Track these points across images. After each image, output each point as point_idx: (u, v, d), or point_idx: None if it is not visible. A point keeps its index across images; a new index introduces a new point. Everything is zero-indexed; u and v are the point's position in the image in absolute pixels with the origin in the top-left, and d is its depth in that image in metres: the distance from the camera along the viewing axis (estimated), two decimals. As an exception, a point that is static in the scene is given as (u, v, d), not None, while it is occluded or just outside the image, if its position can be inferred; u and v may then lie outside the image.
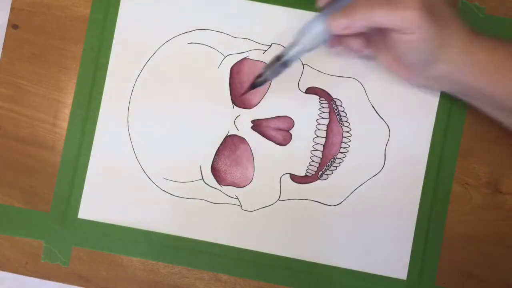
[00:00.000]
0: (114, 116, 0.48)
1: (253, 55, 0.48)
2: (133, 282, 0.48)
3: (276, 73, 0.41)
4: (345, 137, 0.47)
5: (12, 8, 0.49)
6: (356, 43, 0.42)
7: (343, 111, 0.47)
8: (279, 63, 0.40)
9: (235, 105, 0.47)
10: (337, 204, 0.47)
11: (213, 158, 0.47)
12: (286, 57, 0.39)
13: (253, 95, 0.47)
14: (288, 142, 0.47)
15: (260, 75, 0.41)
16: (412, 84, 0.46)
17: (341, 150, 0.47)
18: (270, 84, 0.47)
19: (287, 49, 0.40)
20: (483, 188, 0.47)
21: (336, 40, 0.42)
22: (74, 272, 0.48)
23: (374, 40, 0.43)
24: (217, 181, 0.47)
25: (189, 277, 0.48)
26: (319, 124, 0.47)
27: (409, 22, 0.37)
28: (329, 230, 0.47)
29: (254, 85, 0.42)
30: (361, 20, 0.37)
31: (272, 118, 0.47)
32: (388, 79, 0.47)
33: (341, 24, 0.38)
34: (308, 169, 0.47)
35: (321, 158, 0.47)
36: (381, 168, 0.47)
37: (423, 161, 0.47)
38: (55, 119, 0.48)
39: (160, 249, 0.47)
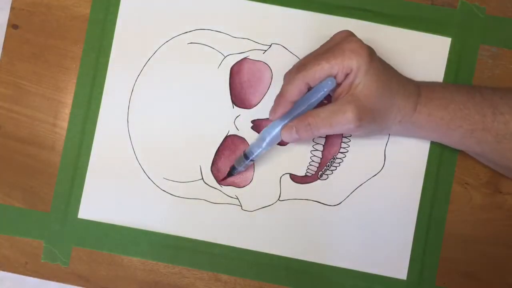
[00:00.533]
0: (114, 116, 0.48)
1: (253, 55, 0.48)
2: (133, 282, 0.48)
3: (245, 166, 0.45)
4: (345, 137, 0.47)
5: (12, 8, 0.49)
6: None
7: (343, 111, 0.47)
8: (248, 161, 0.45)
9: (235, 105, 0.47)
10: (337, 204, 0.47)
11: (213, 158, 0.47)
12: (251, 157, 0.44)
13: (253, 95, 0.47)
14: (287, 142, 0.47)
15: (233, 168, 0.46)
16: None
17: (341, 150, 0.47)
18: (270, 84, 0.47)
19: (252, 148, 0.44)
20: (483, 188, 0.47)
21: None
22: (74, 272, 0.48)
23: None
24: (217, 181, 0.47)
25: (189, 277, 0.48)
26: (319, 124, 0.47)
27: (349, 131, 0.41)
28: (329, 230, 0.47)
29: (229, 174, 0.47)
30: (308, 136, 0.42)
31: (272, 118, 0.47)
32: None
33: (290, 137, 0.43)
34: (308, 169, 0.47)
35: (321, 158, 0.47)
36: (381, 168, 0.47)
37: (423, 161, 0.47)
38: (55, 119, 0.48)
39: (160, 249, 0.47)
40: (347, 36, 0.42)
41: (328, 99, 0.44)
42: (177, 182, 0.47)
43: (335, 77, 0.41)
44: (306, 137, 0.42)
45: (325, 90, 0.41)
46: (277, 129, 0.43)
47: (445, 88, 0.43)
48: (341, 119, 0.40)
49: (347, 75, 0.40)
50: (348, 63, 0.40)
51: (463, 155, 0.47)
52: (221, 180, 0.47)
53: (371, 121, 0.41)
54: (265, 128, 0.44)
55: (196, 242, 0.47)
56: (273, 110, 0.43)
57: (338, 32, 0.43)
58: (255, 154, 0.44)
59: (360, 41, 0.41)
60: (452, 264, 0.47)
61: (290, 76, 0.42)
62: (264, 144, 0.44)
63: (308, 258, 0.47)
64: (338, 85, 0.41)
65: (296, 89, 0.41)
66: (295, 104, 0.42)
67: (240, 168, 0.45)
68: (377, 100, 0.41)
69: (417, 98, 0.42)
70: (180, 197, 0.47)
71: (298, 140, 0.43)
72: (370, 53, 0.40)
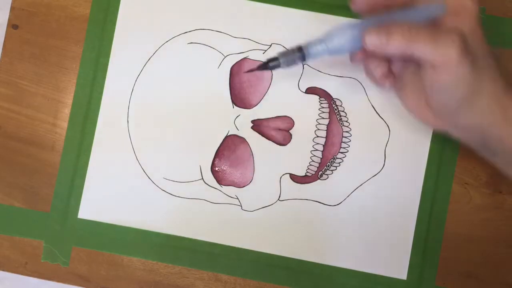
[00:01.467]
0: (114, 116, 0.48)
1: (253, 55, 0.48)
2: (133, 282, 0.48)
3: (289, 63, 0.38)
4: (345, 137, 0.47)
5: (12, 8, 0.49)
6: (379, 70, 0.40)
7: (343, 111, 0.47)
8: (299, 54, 0.37)
9: (235, 105, 0.48)
10: (337, 204, 0.47)
11: (213, 158, 0.47)
12: (308, 51, 0.36)
13: (253, 95, 0.47)
14: (288, 142, 0.47)
15: (274, 59, 0.38)
16: (434, 129, 0.45)
17: (341, 150, 0.47)
18: (270, 84, 0.47)
19: (312, 43, 0.37)
20: (483, 188, 0.47)
21: (361, 56, 0.40)
22: (74, 272, 0.48)
23: (401, 75, 0.40)
24: (217, 181, 0.47)
25: (189, 277, 0.48)
26: (319, 124, 0.47)
27: (448, 59, 0.34)
28: (329, 230, 0.47)
29: (264, 67, 0.39)
30: (399, 44, 0.34)
31: (272, 118, 0.47)
32: (388, 79, 0.47)
33: (376, 41, 0.35)
34: (308, 169, 0.47)
35: (321, 158, 0.47)
36: (381, 168, 0.47)
37: (423, 161, 0.47)
38: (55, 119, 0.48)
39: (160, 249, 0.47)
40: None
41: None
42: (177, 182, 0.47)
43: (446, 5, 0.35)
44: (399, 44, 0.34)
45: (432, 12, 0.35)
46: (354, 30, 0.35)
47: None
48: (449, 40, 0.33)
49: (453, 15, 0.36)
50: (465, 2, 0.35)
51: (463, 155, 0.47)
52: (246, 71, 0.41)
53: (472, 64, 0.35)
54: (336, 26, 0.36)
55: (196, 242, 0.47)
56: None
57: None
58: (316, 52, 0.36)
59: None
60: (452, 264, 0.47)
61: None
62: (331, 45, 0.36)
63: (308, 258, 0.47)
64: (438, 22, 0.36)
65: None
66: (385, 13, 0.35)
67: (283, 64, 0.38)
68: (481, 51, 0.36)
69: (510, 86, 0.37)
70: (180, 197, 0.47)
71: (383, 50, 0.35)
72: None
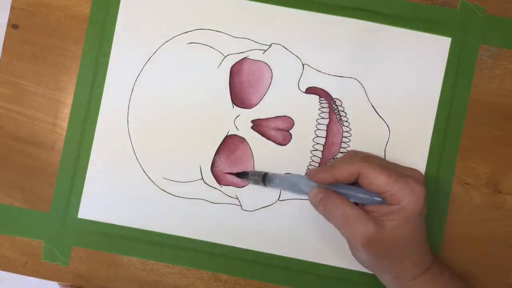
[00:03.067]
0: (114, 116, 0.48)
1: (253, 55, 0.48)
2: (133, 282, 0.48)
3: (256, 183, 0.46)
4: (345, 137, 0.47)
5: (12, 8, 0.49)
6: None
7: (343, 111, 0.47)
8: (262, 183, 0.45)
9: (235, 105, 0.47)
10: (337, 204, 0.47)
11: (213, 158, 0.47)
12: (268, 186, 0.45)
13: (253, 95, 0.47)
14: (288, 142, 0.47)
15: (245, 174, 0.46)
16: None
17: (341, 150, 0.47)
18: (270, 84, 0.47)
19: (275, 180, 0.44)
20: (483, 188, 0.47)
21: None
22: (74, 272, 0.48)
23: None
24: (217, 181, 0.47)
25: (189, 277, 0.48)
26: (319, 124, 0.47)
27: (353, 241, 0.41)
28: (329, 230, 0.47)
29: (237, 175, 0.47)
30: (322, 213, 0.42)
31: (272, 118, 0.47)
32: (388, 79, 0.47)
33: (312, 200, 0.43)
34: (308, 169, 0.47)
35: (321, 158, 0.47)
36: (381, 168, 0.47)
37: (423, 161, 0.47)
38: (55, 119, 0.48)
39: (160, 249, 0.47)
40: (418, 177, 0.42)
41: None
42: (177, 182, 0.47)
43: (385, 198, 0.40)
44: (320, 211, 0.42)
45: (370, 202, 0.41)
46: (308, 190, 0.43)
47: (453, 278, 0.42)
48: (357, 227, 0.40)
49: (390, 204, 0.40)
50: (401, 196, 0.39)
51: (463, 155, 0.47)
52: (225, 172, 0.47)
53: (377, 256, 0.41)
54: (302, 179, 0.43)
55: (196, 242, 0.47)
56: (316, 174, 0.42)
57: (410, 169, 0.43)
58: (273, 187, 0.45)
59: (423, 190, 0.40)
60: (452, 264, 0.47)
61: (354, 158, 0.42)
62: (289, 191, 0.45)
63: (308, 258, 0.47)
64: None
65: (348, 174, 0.40)
66: (337, 185, 0.42)
67: (250, 182, 0.46)
68: (395, 248, 0.40)
69: (423, 271, 0.41)
70: (180, 197, 0.47)
71: (314, 205, 0.43)
72: (423, 207, 0.40)
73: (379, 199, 0.40)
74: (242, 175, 0.46)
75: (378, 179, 0.39)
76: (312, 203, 0.43)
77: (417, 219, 0.40)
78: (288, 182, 0.44)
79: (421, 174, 0.43)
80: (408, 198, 0.39)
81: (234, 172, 0.47)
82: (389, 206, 0.40)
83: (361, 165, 0.40)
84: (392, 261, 0.41)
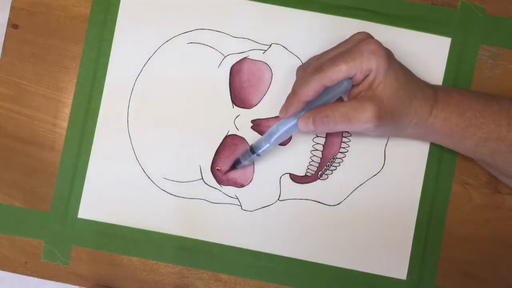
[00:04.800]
0: (114, 116, 0.48)
1: (253, 55, 0.48)
2: (133, 282, 0.48)
3: (250, 161, 0.46)
4: (345, 137, 0.47)
5: (12, 8, 0.49)
6: None
7: (343, 111, 0.47)
8: (254, 155, 0.45)
9: (235, 105, 0.47)
10: (337, 204, 0.47)
11: (213, 158, 0.47)
12: (258, 152, 0.44)
13: (253, 95, 0.47)
14: (288, 142, 0.47)
15: (238, 161, 0.46)
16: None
17: (341, 150, 0.47)
18: (270, 84, 0.47)
19: (260, 143, 0.44)
20: (483, 188, 0.47)
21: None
22: (74, 272, 0.48)
23: None
24: (217, 181, 0.47)
25: (189, 277, 0.48)
26: (319, 124, 0.47)
27: (364, 129, 0.41)
28: (329, 230, 0.47)
29: (233, 167, 0.47)
30: (324, 129, 0.41)
31: (272, 118, 0.47)
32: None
33: (307, 129, 0.42)
34: (308, 169, 0.47)
35: (321, 158, 0.47)
36: (381, 168, 0.47)
37: (423, 161, 0.47)
38: (55, 119, 0.48)
39: (160, 249, 0.47)
40: (365, 37, 0.41)
41: (339, 100, 0.44)
42: (177, 182, 0.47)
43: (351, 78, 0.40)
44: (322, 130, 0.41)
45: (341, 91, 0.41)
46: (287, 126, 0.43)
47: (462, 95, 0.42)
48: (361, 116, 0.40)
49: (365, 76, 0.40)
50: (367, 65, 0.40)
51: (463, 155, 0.47)
52: (223, 174, 0.47)
53: (390, 121, 0.41)
54: (275, 124, 0.43)
55: (196, 242, 0.47)
56: (284, 108, 0.42)
57: (355, 34, 0.42)
58: (262, 149, 0.44)
59: (378, 42, 0.40)
60: (452, 264, 0.47)
61: (305, 75, 0.42)
62: (272, 140, 0.43)
63: (308, 258, 0.47)
64: (356, 86, 0.41)
65: (312, 90, 0.40)
66: (309, 103, 0.42)
67: (244, 162, 0.45)
68: (396, 101, 0.40)
69: (434, 102, 0.42)
70: (180, 197, 0.47)
71: (314, 132, 0.43)
72: (389, 54, 0.40)
73: (345, 83, 0.40)
74: (235, 164, 0.46)
75: (339, 73, 0.40)
76: (307, 130, 0.42)
77: (394, 66, 0.41)
78: (270, 135, 0.43)
79: (363, 33, 0.42)
80: (374, 60, 0.39)
81: (228, 169, 0.47)
82: (367, 78, 0.40)
83: (318, 77, 0.40)
84: (404, 113, 0.41)
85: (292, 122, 0.43)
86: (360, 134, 0.47)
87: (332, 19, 0.47)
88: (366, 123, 0.40)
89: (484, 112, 0.41)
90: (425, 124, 0.42)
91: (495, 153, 0.42)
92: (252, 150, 0.44)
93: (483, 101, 0.42)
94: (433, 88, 0.43)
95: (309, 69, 0.42)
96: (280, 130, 0.43)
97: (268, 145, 0.44)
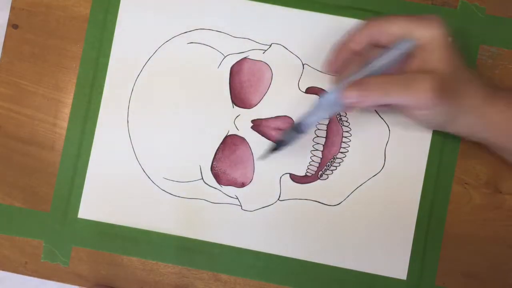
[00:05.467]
0: (114, 116, 0.48)
1: (253, 55, 0.48)
2: (133, 282, 0.48)
3: (294, 139, 0.42)
4: (345, 137, 0.47)
5: (12, 8, 0.49)
6: (372, 107, 0.45)
7: (343, 111, 0.47)
8: (300, 134, 0.42)
9: (235, 105, 0.48)
10: (337, 204, 0.47)
11: (213, 158, 0.47)
12: (304, 128, 0.41)
13: (253, 95, 0.47)
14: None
15: (280, 141, 0.43)
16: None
17: (341, 150, 0.47)
18: (270, 84, 0.47)
19: (305, 118, 0.41)
20: (483, 188, 0.47)
21: (351, 106, 0.42)
22: (74, 272, 0.48)
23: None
24: (217, 181, 0.47)
25: (189, 277, 0.48)
26: (319, 123, 0.47)
27: (422, 102, 0.37)
28: (329, 230, 0.47)
29: (275, 150, 0.43)
30: (375, 98, 0.37)
31: (272, 118, 0.47)
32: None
33: (355, 99, 0.38)
34: (308, 169, 0.47)
35: (321, 158, 0.47)
36: (381, 168, 0.47)
37: (423, 161, 0.47)
38: (55, 119, 0.48)
39: (160, 249, 0.47)
40: (432, 15, 0.38)
41: None
42: (177, 182, 0.47)
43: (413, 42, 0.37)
44: (376, 98, 0.37)
45: (404, 48, 0.37)
46: (336, 93, 0.38)
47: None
48: (419, 86, 0.36)
49: (422, 47, 0.37)
50: (430, 32, 0.36)
51: (463, 155, 0.47)
52: (265, 154, 0.44)
53: (448, 98, 0.37)
54: (321, 97, 0.39)
55: (196, 242, 0.47)
56: (329, 60, 0.38)
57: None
58: (310, 122, 0.40)
59: (439, 17, 0.38)
60: (452, 264, 0.47)
61: (357, 25, 0.38)
62: (320, 112, 0.39)
63: (308, 258, 0.47)
64: (411, 58, 0.38)
65: (365, 36, 0.37)
66: (357, 66, 0.38)
67: (290, 142, 0.43)
68: (456, 79, 0.37)
69: (491, 90, 0.39)
70: (180, 197, 0.47)
71: (362, 105, 0.38)
72: (449, 33, 0.38)
73: (408, 42, 0.37)
74: (277, 147, 0.43)
75: (400, 28, 0.36)
76: (357, 97, 0.37)
77: (452, 44, 0.38)
78: (319, 107, 0.39)
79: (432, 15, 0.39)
80: (437, 30, 0.37)
81: (265, 153, 0.44)
82: (424, 49, 0.37)
83: (374, 23, 0.37)
84: (462, 95, 0.38)
85: (337, 91, 0.38)
86: (364, 130, 0.47)
87: (332, 19, 0.47)
88: (424, 92, 0.36)
89: None
90: (480, 113, 0.39)
91: None
92: (297, 128, 0.41)
93: None
94: (486, 80, 0.41)
95: (365, 20, 0.39)
96: (329, 99, 0.38)
97: (316, 117, 0.40)
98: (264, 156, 0.45)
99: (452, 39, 0.38)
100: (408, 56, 0.38)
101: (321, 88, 0.47)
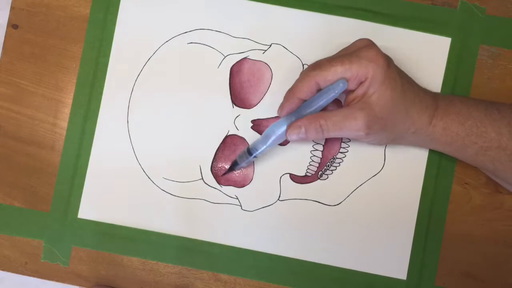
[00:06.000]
0: (114, 116, 0.48)
1: (253, 55, 0.48)
2: (133, 282, 0.48)
3: (247, 162, 0.45)
4: (345, 137, 0.47)
5: (12, 8, 0.49)
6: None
7: (343, 111, 0.47)
8: (251, 157, 0.44)
9: (235, 105, 0.47)
10: (337, 204, 0.47)
11: (213, 158, 0.47)
12: (255, 154, 0.44)
13: (253, 95, 0.47)
14: (288, 142, 0.47)
15: (235, 163, 0.46)
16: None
17: (341, 150, 0.47)
18: (270, 84, 0.47)
19: (256, 145, 0.44)
20: (483, 188, 0.47)
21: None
22: (74, 272, 0.48)
23: None
24: (217, 181, 0.47)
25: (189, 277, 0.48)
26: (319, 124, 0.47)
27: (358, 137, 0.42)
28: (329, 230, 0.47)
29: (230, 169, 0.46)
30: (312, 136, 0.42)
31: (272, 118, 0.47)
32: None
33: (297, 137, 0.42)
34: (308, 169, 0.47)
35: (321, 158, 0.47)
36: (381, 168, 0.47)
37: (423, 161, 0.47)
38: (55, 119, 0.48)
39: (160, 249, 0.47)
40: (367, 44, 0.41)
41: (337, 105, 0.45)
42: (177, 182, 0.47)
43: (347, 81, 0.40)
44: (315, 138, 0.42)
45: (336, 92, 0.41)
46: (284, 128, 0.43)
47: (463, 102, 0.42)
48: (352, 125, 0.40)
49: (361, 83, 0.40)
50: (363, 71, 0.39)
51: (463, 155, 0.47)
52: (221, 175, 0.47)
53: (381, 130, 0.41)
54: (271, 126, 0.43)
55: (196, 242, 0.47)
56: (281, 105, 0.43)
57: (358, 40, 0.42)
58: (259, 150, 0.44)
59: (379, 50, 0.40)
60: (452, 264, 0.47)
61: (302, 73, 0.42)
62: (269, 142, 0.43)
63: (308, 258, 0.47)
64: (351, 91, 0.41)
65: (305, 86, 0.41)
66: (304, 104, 0.42)
67: (242, 164, 0.45)
68: (390, 111, 0.40)
69: (433, 111, 0.42)
70: (180, 197, 0.47)
71: (304, 140, 0.43)
72: (388, 63, 0.40)
73: (341, 84, 0.40)
74: (232, 166, 0.46)
75: (335, 74, 0.40)
76: (297, 138, 0.42)
77: (391, 75, 0.40)
78: (267, 137, 0.43)
79: (365, 39, 0.42)
80: (371, 68, 0.39)
81: (226, 171, 0.47)
82: (362, 85, 0.40)
83: (314, 74, 0.40)
84: (400, 122, 0.41)
85: (287, 123, 0.42)
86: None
87: (332, 19, 0.47)
88: (357, 131, 0.40)
89: (485, 121, 0.41)
90: (424, 133, 0.42)
91: (496, 162, 0.42)
92: (249, 151, 0.44)
93: (484, 109, 0.42)
94: (434, 96, 0.43)
95: (307, 69, 0.42)
96: (277, 131, 0.43)
97: (264, 146, 0.43)
98: (226, 173, 0.47)
99: (387, 59, 0.40)
100: (348, 89, 0.41)
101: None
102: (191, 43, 0.48)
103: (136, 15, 0.48)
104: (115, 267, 0.48)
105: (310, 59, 0.47)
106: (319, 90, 0.41)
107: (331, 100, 0.41)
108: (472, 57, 0.47)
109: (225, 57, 0.48)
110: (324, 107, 0.42)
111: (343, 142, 0.47)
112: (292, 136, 0.42)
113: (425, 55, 0.47)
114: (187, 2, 0.48)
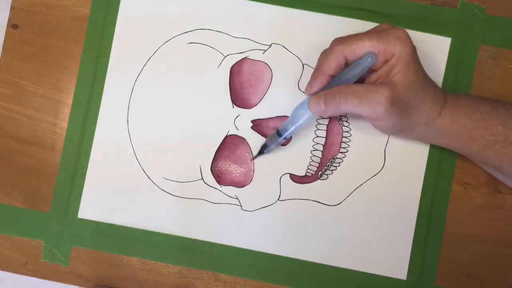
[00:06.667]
0: (114, 116, 0.48)
1: (253, 55, 0.48)
2: (133, 282, 0.48)
3: (278, 144, 0.45)
4: (345, 137, 0.47)
5: (12, 8, 0.49)
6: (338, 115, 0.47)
7: (343, 111, 0.47)
8: (280, 138, 0.44)
9: (235, 105, 0.48)
10: (337, 204, 0.47)
11: (213, 158, 0.47)
12: (285, 135, 0.44)
13: (253, 95, 0.47)
14: (288, 142, 0.47)
15: (265, 145, 0.46)
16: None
17: (341, 150, 0.47)
18: (270, 84, 0.47)
19: (286, 126, 0.44)
20: (483, 188, 0.47)
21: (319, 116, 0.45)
22: (74, 272, 0.48)
23: None
24: (217, 181, 0.47)
25: (189, 277, 0.48)
26: (319, 124, 0.47)
27: (375, 114, 0.40)
28: (329, 230, 0.47)
29: (260, 153, 0.46)
30: (333, 107, 0.41)
31: (272, 118, 0.47)
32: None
33: (318, 110, 0.42)
34: (308, 169, 0.47)
35: (321, 158, 0.47)
36: (381, 168, 0.47)
37: (423, 161, 0.47)
38: (55, 119, 0.48)
39: (160, 249, 0.47)
40: (393, 26, 0.41)
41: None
42: (177, 182, 0.47)
43: (375, 55, 0.40)
44: (332, 108, 0.41)
45: (364, 65, 0.40)
46: (304, 105, 0.42)
47: (469, 97, 0.42)
48: (373, 97, 0.39)
49: (386, 61, 0.40)
50: (391, 48, 0.39)
51: (463, 155, 0.47)
52: (252, 159, 0.47)
53: (401, 112, 0.40)
54: (298, 106, 0.43)
55: (196, 242, 0.47)
56: (309, 84, 0.42)
57: (381, 24, 0.42)
58: (289, 131, 0.44)
59: (407, 33, 0.40)
60: (452, 264, 0.47)
61: (327, 49, 0.42)
62: (299, 122, 0.43)
63: (308, 258, 0.47)
64: (374, 72, 0.41)
65: (333, 62, 0.40)
66: (331, 81, 0.42)
67: (272, 146, 0.45)
68: (410, 95, 0.40)
69: (443, 103, 0.42)
70: (180, 197, 0.47)
71: (324, 113, 0.42)
72: (414, 47, 0.40)
73: (369, 58, 0.40)
74: (263, 149, 0.46)
75: (363, 48, 0.40)
76: (318, 109, 0.42)
77: (416, 59, 0.41)
78: (295, 117, 0.43)
79: (387, 23, 0.42)
80: (398, 45, 0.39)
81: (256, 154, 0.47)
82: (387, 63, 0.40)
83: (341, 48, 0.40)
84: (415, 109, 0.41)
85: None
86: (364, 130, 0.47)
87: (332, 19, 0.47)
88: (377, 105, 0.40)
89: (491, 114, 0.41)
90: (433, 125, 0.42)
91: (503, 156, 0.41)
92: (279, 133, 0.44)
93: (490, 104, 0.42)
94: (442, 90, 0.43)
95: (331, 44, 0.42)
96: (305, 112, 0.42)
97: (294, 126, 0.43)
98: (255, 157, 0.47)
99: (413, 45, 0.40)
100: (372, 68, 0.41)
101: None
102: (191, 43, 0.48)
103: (136, 15, 0.48)
104: (115, 267, 0.48)
105: (310, 59, 0.47)
106: (346, 65, 0.41)
107: (359, 76, 0.41)
108: (472, 57, 0.47)
109: (225, 57, 0.48)
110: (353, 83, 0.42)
111: (343, 142, 0.47)
112: (312, 107, 0.42)
113: (425, 55, 0.47)
114: (187, 2, 0.48)
